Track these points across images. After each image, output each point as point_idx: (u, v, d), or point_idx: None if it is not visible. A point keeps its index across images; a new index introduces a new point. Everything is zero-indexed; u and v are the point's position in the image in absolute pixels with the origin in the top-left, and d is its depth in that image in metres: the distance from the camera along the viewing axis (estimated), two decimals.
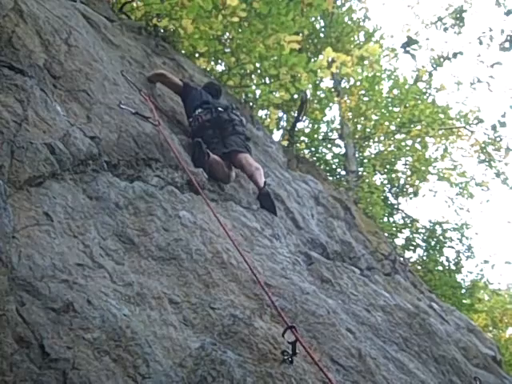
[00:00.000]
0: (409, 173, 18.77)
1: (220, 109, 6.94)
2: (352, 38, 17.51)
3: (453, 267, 17.53)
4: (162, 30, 9.67)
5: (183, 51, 10.39)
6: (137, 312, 3.46)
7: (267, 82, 11.91)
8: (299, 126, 17.72)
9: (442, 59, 19.37)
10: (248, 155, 6.76)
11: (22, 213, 3.50)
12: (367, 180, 15.46)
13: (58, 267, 3.30)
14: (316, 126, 18.79)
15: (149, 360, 3.12)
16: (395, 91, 18.63)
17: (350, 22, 17.87)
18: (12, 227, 3.25)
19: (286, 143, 15.21)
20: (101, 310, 3.22)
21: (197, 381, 3.19)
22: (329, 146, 19.37)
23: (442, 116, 18.26)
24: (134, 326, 3.27)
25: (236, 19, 9.84)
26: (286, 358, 3.75)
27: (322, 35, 16.67)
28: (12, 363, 2.60)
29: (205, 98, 7.14)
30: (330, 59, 11.11)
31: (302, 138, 18.59)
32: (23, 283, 3.02)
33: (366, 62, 12.51)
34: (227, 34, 11.00)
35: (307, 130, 18.81)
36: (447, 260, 17.58)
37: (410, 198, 19.16)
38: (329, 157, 19.38)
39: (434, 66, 19.55)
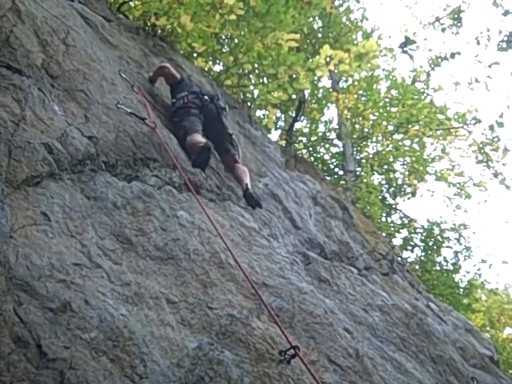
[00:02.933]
0: (407, 173, 18.77)
1: (206, 97, 7.03)
2: (350, 38, 17.49)
3: (450, 267, 17.55)
4: (159, 30, 9.66)
5: (181, 51, 10.38)
6: (134, 312, 3.46)
7: (265, 81, 11.90)
8: (297, 125, 17.74)
9: (439, 59, 19.38)
10: (240, 165, 6.89)
11: (20, 212, 3.49)
12: (365, 180, 15.45)
13: (56, 267, 3.30)
14: (314, 125, 18.79)
15: (146, 360, 3.12)
16: (393, 91, 18.63)
17: (347, 22, 17.87)
18: (9, 227, 3.25)
19: (283, 143, 15.20)
20: (98, 309, 3.22)
21: (194, 380, 3.20)
22: (327, 146, 19.38)
23: (439, 116, 18.26)
24: (132, 326, 3.27)
25: (233, 17, 9.84)
26: (283, 358, 3.76)
27: (319, 35, 16.67)
28: (9, 363, 2.60)
29: (195, 90, 7.27)
30: (327, 58, 11.07)
31: (300, 138, 18.60)
32: (21, 283, 3.02)
33: (363, 61, 12.46)
34: (225, 32, 10.99)
35: (305, 130, 18.83)
36: (445, 260, 17.61)
37: (408, 198, 19.15)
38: (327, 157, 19.40)
39: (432, 66, 19.57)
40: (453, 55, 18.76)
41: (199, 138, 6.32)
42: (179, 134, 6.50)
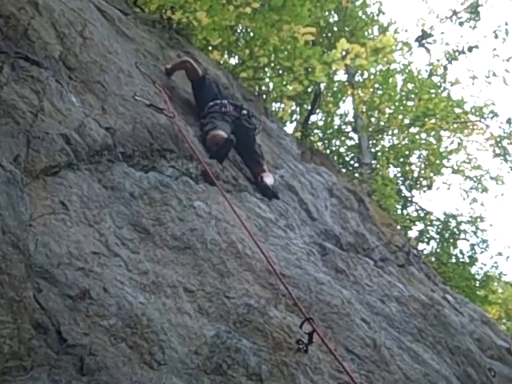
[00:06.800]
0: (423, 166, 18.69)
1: (244, 112, 7.12)
2: (366, 33, 17.39)
3: (467, 260, 17.48)
4: (175, 24, 9.66)
5: (197, 45, 10.39)
6: (152, 300, 3.48)
7: (281, 74, 11.89)
8: (313, 118, 17.69)
9: (457, 53, 19.26)
10: (267, 172, 6.97)
11: (39, 201, 3.53)
12: (381, 173, 15.41)
13: (74, 255, 3.33)
14: (329, 119, 18.73)
15: (164, 347, 3.15)
16: (409, 85, 18.53)
17: (364, 16, 17.75)
18: (29, 215, 3.28)
19: (299, 136, 15.17)
20: (117, 297, 3.24)
21: (212, 368, 3.22)
22: (342, 138, 19.30)
23: (456, 110, 18.15)
24: (150, 314, 3.29)
25: (249, 10, 9.84)
26: (301, 346, 3.78)
27: (335, 29, 16.60)
28: (30, 348, 2.62)
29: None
30: (344, 52, 11.05)
31: (316, 131, 18.56)
32: (40, 270, 3.05)
33: (380, 55, 12.41)
34: (241, 25, 10.99)
35: (321, 123, 18.78)
36: (461, 253, 17.54)
37: (424, 191, 19.08)
38: (342, 150, 19.33)
39: (449, 59, 19.45)
40: (470, 49, 18.66)
41: (223, 133, 6.35)
42: (205, 128, 6.55)
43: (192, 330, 3.44)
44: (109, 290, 3.25)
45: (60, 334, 2.79)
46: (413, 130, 18.33)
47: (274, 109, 14.35)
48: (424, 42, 19.99)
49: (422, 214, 18.36)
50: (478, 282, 17.68)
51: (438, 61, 19.83)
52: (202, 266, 4.14)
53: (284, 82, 11.67)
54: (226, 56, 12.45)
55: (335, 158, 17.90)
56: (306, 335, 3.83)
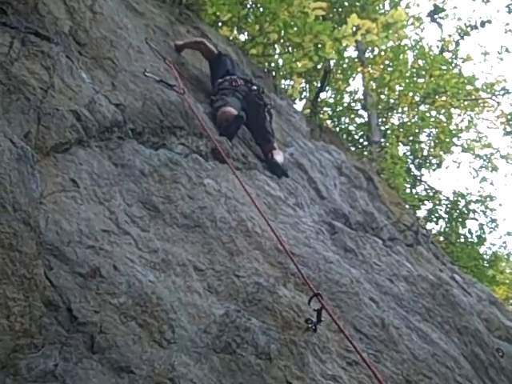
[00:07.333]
0: (432, 144, 18.57)
1: (255, 88, 7.04)
2: (377, 7, 17.19)
3: (475, 239, 17.42)
4: None
5: (206, 20, 10.31)
6: (162, 278, 3.49)
7: (290, 51, 11.81)
8: (322, 96, 17.58)
9: (469, 28, 19.06)
10: (277, 150, 6.93)
11: (49, 179, 3.53)
12: (390, 151, 15.31)
13: (85, 233, 3.34)
14: (339, 96, 18.62)
15: (174, 326, 3.16)
16: (420, 61, 18.36)
17: None
18: (40, 193, 3.28)
19: (308, 113, 15.08)
20: (127, 275, 3.25)
21: (221, 347, 3.23)
22: (352, 116, 19.19)
23: (467, 87, 17.99)
24: (160, 292, 3.30)
25: None
26: (309, 325, 3.79)
27: (346, 4, 16.42)
28: (41, 326, 2.64)
29: (236, 71, 7.36)
30: (354, 28, 10.94)
31: (325, 109, 18.45)
32: (51, 248, 3.06)
33: (391, 31, 12.28)
34: (250, 0, 10.90)
35: (330, 101, 18.66)
36: (469, 232, 17.48)
37: (434, 170, 18.98)
38: (351, 127, 19.23)
39: (461, 35, 19.26)
40: (483, 24, 18.46)
41: (233, 110, 6.31)
42: (215, 104, 6.51)
43: (201, 309, 3.45)
44: (119, 268, 3.26)
45: (71, 312, 2.81)
46: (423, 107, 18.20)
47: (283, 86, 14.28)
48: (436, 16, 19.80)
49: (431, 193, 18.28)
50: (486, 262, 17.64)
51: (450, 36, 19.65)
52: (212, 245, 4.15)
53: (293, 59, 11.57)
54: (235, 32, 12.37)
55: (344, 135, 17.78)
56: (314, 314, 3.84)
